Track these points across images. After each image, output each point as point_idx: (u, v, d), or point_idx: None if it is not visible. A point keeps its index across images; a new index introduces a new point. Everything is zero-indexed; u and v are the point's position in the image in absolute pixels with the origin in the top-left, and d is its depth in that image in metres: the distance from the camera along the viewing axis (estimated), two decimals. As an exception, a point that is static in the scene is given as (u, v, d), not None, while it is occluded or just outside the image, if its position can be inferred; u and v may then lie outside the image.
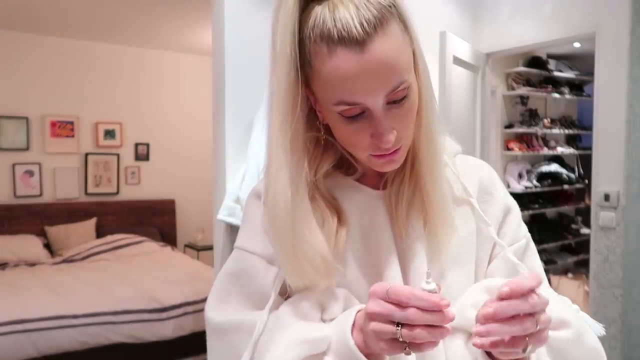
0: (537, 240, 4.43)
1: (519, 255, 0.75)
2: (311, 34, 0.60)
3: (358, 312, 0.63)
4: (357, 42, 0.57)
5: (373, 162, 0.67)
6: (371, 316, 0.56)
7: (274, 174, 0.64)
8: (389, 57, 0.59)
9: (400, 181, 0.72)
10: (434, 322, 0.53)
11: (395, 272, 0.69)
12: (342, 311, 0.67)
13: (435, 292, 0.54)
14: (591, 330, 0.70)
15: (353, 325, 0.62)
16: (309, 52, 0.61)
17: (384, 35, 0.58)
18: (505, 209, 0.77)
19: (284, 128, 0.63)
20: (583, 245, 4.58)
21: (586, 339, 0.66)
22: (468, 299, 0.68)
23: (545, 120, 4.73)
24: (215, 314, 0.72)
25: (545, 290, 0.68)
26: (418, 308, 0.53)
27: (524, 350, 0.55)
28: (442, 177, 0.70)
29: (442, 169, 0.72)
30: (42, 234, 4.62)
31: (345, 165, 0.75)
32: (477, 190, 0.77)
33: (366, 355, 0.59)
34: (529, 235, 0.79)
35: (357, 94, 0.60)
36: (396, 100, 0.62)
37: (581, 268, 4.75)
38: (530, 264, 0.76)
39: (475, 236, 0.74)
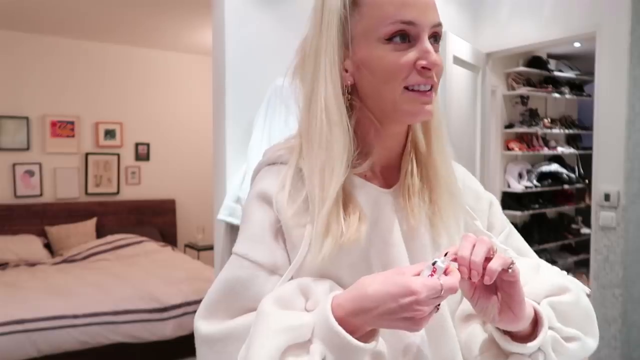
0: (537, 240, 4.42)
1: (507, 240, 0.84)
2: None
3: (335, 296, 0.63)
4: None
5: (407, 102, 0.70)
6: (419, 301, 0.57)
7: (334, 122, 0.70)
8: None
9: (408, 178, 0.76)
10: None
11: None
12: None
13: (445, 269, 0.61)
14: (582, 291, 0.77)
15: (332, 308, 0.61)
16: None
17: None
18: (488, 202, 0.86)
19: (338, 90, 0.70)
20: (583, 245, 4.57)
21: (582, 301, 0.74)
22: None
23: (546, 120, 4.72)
24: (203, 324, 0.71)
25: (526, 260, 0.79)
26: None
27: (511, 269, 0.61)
28: (450, 162, 0.78)
29: (451, 159, 0.78)
30: (42, 234, 4.62)
31: (354, 157, 0.73)
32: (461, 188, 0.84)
33: (352, 334, 0.60)
34: (507, 220, 0.89)
35: (415, 12, 0.68)
36: (436, 36, 0.70)
37: (581, 268, 4.74)
38: (516, 244, 0.85)
39: (464, 231, 0.80)
